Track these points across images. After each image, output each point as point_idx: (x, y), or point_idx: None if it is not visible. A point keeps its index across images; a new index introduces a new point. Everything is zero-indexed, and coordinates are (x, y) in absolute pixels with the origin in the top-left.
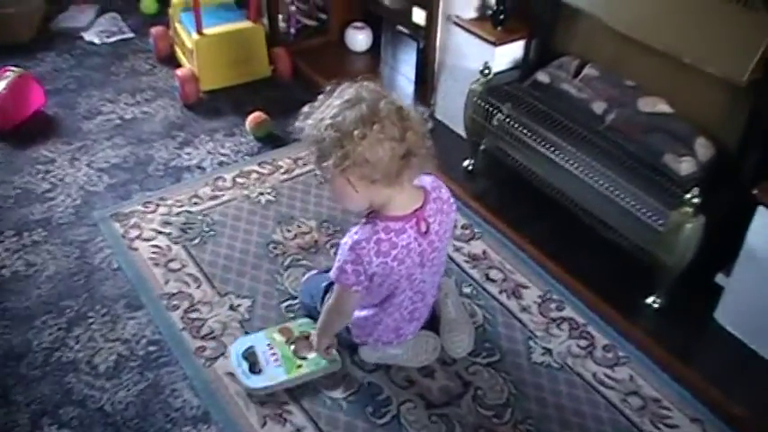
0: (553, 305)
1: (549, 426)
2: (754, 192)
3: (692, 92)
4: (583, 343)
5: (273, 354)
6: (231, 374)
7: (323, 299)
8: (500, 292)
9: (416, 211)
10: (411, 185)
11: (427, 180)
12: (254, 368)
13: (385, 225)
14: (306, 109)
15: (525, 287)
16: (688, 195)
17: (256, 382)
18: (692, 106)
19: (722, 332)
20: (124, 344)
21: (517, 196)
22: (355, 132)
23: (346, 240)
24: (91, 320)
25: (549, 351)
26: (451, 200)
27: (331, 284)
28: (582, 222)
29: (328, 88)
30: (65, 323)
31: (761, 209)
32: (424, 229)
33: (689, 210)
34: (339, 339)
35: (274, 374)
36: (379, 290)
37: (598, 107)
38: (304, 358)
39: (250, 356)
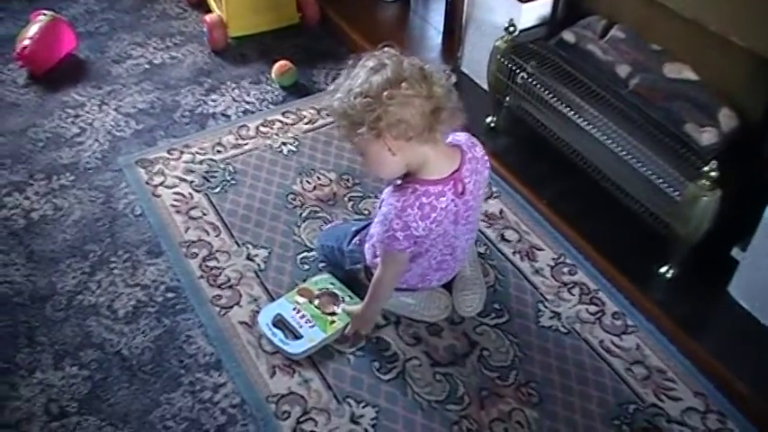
0: (566, 269)
1: (552, 391)
2: None
3: (718, 60)
4: (593, 309)
5: (303, 316)
6: (245, 323)
7: (350, 241)
8: (514, 253)
9: (454, 173)
10: (445, 145)
11: (462, 138)
12: (288, 335)
13: (425, 189)
14: (331, 87)
15: (540, 249)
16: (706, 168)
17: (298, 347)
18: (718, 75)
19: (735, 306)
20: (143, 290)
21: (537, 156)
22: (384, 94)
23: (388, 209)
24: (113, 265)
25: (557, 315)
26: (486, 157)
27: (361, 229)
28: (599, 187)
29: (350, 62)
30: (88, 267)
31: None
32: (460, 190)
33: (706, 182)
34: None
35: (313, 336)
36: (416, 248)
37: (622, 70)
38: (333, 313)
39: (280, 324)
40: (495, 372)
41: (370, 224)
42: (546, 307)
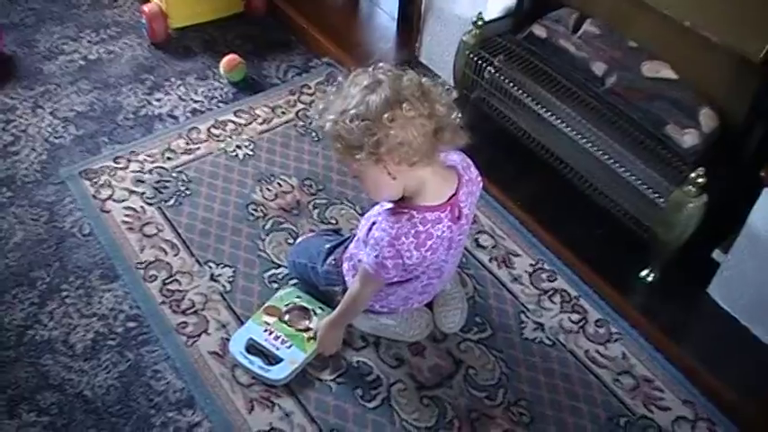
0: (545, 275)
1: (542, 408)
2: (762, 174)
3: (697, 59)
4: (575, 317)
5: (276, 336)
6: (216, 353)
7: (325, 260)
8: (490, 260)
9: (451, 197)
10: (442, 167)
11: (457, 159)
12: (268, 360)
13: (422, 216)
14: (320, 106)
15: (516, 255)
16: (693, 174)
17: (280, 371)
18: (697, 74)
19: (715, 308)
20: (101, 320)
21: (507, 155)
22: (384, 116)
23: (381, 235)
24: (65, 294)
25: (541, 326)
26: (479, 178)
27: (336, 247)
28: (574, 188)
29: (339, 79)
30: (37, 297)
31: (766, 190)
32: (457, 215)
33: (692, 189)
34: (331, 304)
35: (293, 357)
36: (404, 274)
37: (598, 68)
38: (308, 329)
39: (253, 349)
40: (484, 391)
41: (344, 241)
42: (528, 317)
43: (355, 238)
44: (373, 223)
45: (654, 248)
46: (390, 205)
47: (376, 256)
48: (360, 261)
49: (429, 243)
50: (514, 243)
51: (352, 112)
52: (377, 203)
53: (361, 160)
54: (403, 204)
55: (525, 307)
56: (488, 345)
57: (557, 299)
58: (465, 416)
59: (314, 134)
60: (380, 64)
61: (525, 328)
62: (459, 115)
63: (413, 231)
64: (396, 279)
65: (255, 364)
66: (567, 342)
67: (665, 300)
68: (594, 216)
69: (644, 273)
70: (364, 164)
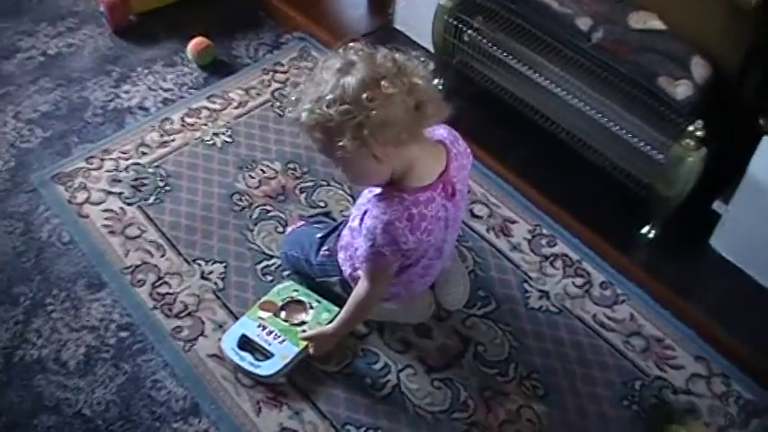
0: (544, 241)
1: (555, 379)
2: (761, 121)
3: (686, 7)
4: (579, 281)
5: (270, 332)
6: (215, 356)
7: (318, 251)
8: (487, 230)
9: (442, 174)
10: (429, 144)
11: (444, 133)
12: (257, 355)
13: (414, 198)
14: (293, 97)
15: (513, 222)
16: (691, 128)
17: (269, 367)
18: (686, 23)
19: (718, 259)
20: (92, 332)
21: (494, 120)
22: (363, 97)
23: (373, 223)
24: (50, 308)
25: (545, 294)
26: (468, 149)
27: (327, 235)
28: (566, 148)
29: (311, 66)
30: (21, 315)
31: (766, 138)
32: (450, 192)
33: (691, 142)
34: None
35: (285, 352)
36: (404, 260)
37: (583, 23)
38: (303, 323)
39: (246, 345)
40: (494, 368)
41: (335, 229)
42: (532, 286)
43: (347, 226)
44: (365, 212)
45: (654, 205)
46: (379, 191)
47: (371, 246)
48: (356, 250)
49: (423, 225)
50: (510, 210)
51: (329, 97)
52: (361, 191)
53: (344, 147)
54: (392, 188)
55: (528, 275)
56: (494, 318)
57: (558, 264)
58: (478, 395)
59: None
60: (351, 44)
61: (530, 297)
62: (440, 86)
63: (405, 215)
64: (395, 265)
65: (246, 360)
66: (574, 308)
67: (667, 256)
68: (589, 175)
69: (644, 230)
70: (348, 150)
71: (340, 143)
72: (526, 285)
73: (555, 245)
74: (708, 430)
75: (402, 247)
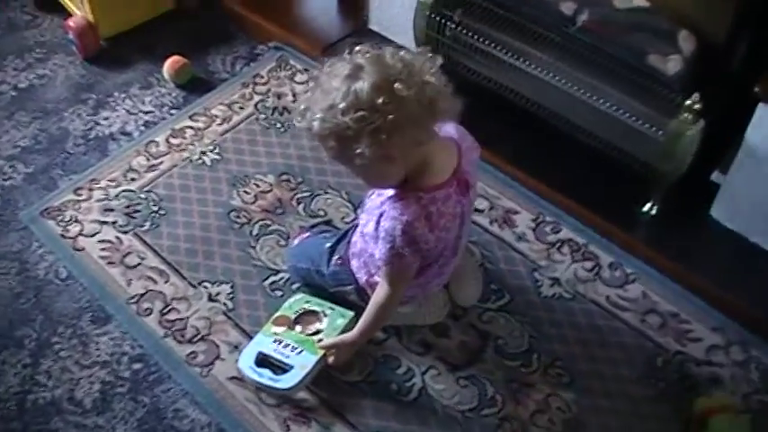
0: (548, 228)
1: (578, 365)
2: (756, 89)
3: None
4: (588, 265)
5: (286, 345)
6: (235, 378)
7: (329, 261)
8: (491, 223)
9: (455, 170)
10: (441, 140)
11: (451, 129)
12: (276, 371)
13: (431, 196)
14: (301, 106)
15: (515, 212)
16: (689, 101)
17: (290, 379)
18: None
19: (721, 229)
20: (104, 367)
21: (484, 113)
22: (378, 102)
23: (392, 224)
24: (57, 347)
25: (557, 281)
26: (476, 143)
27: (336, 244)
28: (559, 134)
29: (314, 74)
30: (28, 357)
31: (761, 105)
32: (464, 187)
33: (689, 116)
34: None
35: (304, 362)
36: (421, 260)
37: (567, 7)
38: (318, 331)
39: (264, 362)
40: (517, 359)
41: (344, 237)
42: (542, 275)
43: (356, 233)
44: (381, 215)
45: (653, 182)
46: (393, 192)
47: (391, 248)
48: (371, 256)
49: (442, 222)
50: (510, 200)
51: (342, 105)
52: (369, 195)
53: (362, 154)
54: (408, 187)
55: (537, 264)
56: (510, 311)
57: (565, 250)
58: (505, 389)
59: (279, 125)
60: (356, 48)
61: (542, 286)
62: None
63: (424, 214)
64: (416, 267)
65: (265, 375)
66: (587, 292)
67: (671, 230)
68: (585, 159)
69: (646, 207)
70: (366, 156)
71: (358, 150)
72: (536, 274)
73: (560, 231)
74: (733, 399)
75: (422, 246)
